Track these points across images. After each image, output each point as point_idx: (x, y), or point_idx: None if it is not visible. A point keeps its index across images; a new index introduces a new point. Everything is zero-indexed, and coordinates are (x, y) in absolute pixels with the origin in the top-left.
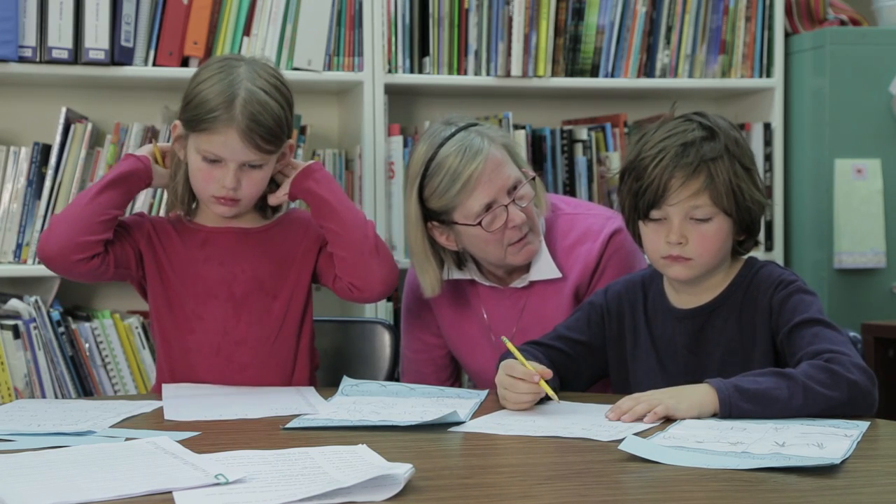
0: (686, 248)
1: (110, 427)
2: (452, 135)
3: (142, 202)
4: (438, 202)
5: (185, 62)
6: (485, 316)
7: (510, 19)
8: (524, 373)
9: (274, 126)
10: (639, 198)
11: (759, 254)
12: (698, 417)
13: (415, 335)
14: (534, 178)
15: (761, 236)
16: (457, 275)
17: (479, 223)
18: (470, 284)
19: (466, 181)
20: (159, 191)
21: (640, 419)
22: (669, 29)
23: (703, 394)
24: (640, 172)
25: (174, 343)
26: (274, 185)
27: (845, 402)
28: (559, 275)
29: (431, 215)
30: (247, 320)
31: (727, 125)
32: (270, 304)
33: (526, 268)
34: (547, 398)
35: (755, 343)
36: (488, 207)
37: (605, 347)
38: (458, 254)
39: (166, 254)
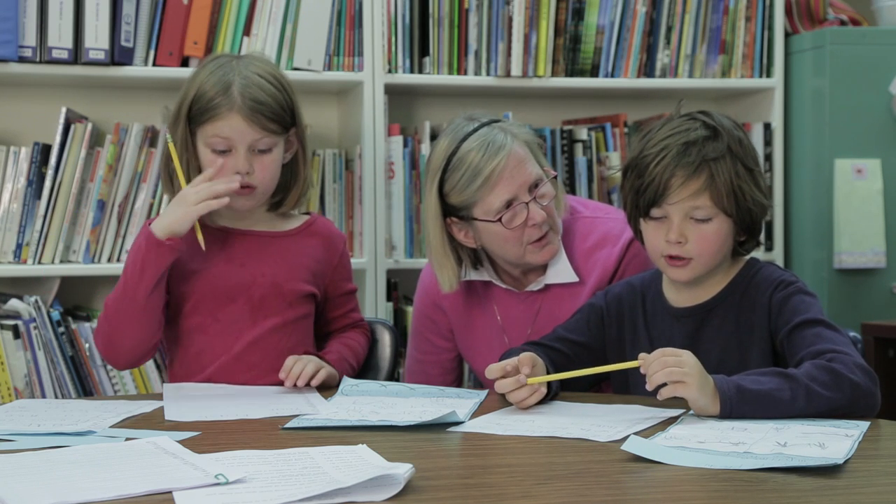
0: (685, 248)
1: (110, 427)
2: (475, 130)
3: (141, 203)
4: (459, 197)
5: (185, 62)
6: (499, 318)
7: (510, 19)
8: (498, 369)
9: (275, 105)
10: (640, 195)
11: (758, 254)
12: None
13: (424, 336)
14: (555, 178)
15: (762, 237)
16: (473, 275)
17: (500, 220)
18: (484, 286)
19: (488, 177)
20: (159, 191)
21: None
22: (669, 29)
23: (713, 395)
24: (642, 170)
25: (188, 343)
26: (288, 175)
27: (847, 403)
28: (576, 279)
29: (451, 210)
30: (261, 324)
31: (731, 125)
32: (285, 309)
33: (542, 270)
34: (551, 395)
35: (752, 342)
36: (509, 204)
37: (605, 349)
38: (475, 253)
39: (183, 258)
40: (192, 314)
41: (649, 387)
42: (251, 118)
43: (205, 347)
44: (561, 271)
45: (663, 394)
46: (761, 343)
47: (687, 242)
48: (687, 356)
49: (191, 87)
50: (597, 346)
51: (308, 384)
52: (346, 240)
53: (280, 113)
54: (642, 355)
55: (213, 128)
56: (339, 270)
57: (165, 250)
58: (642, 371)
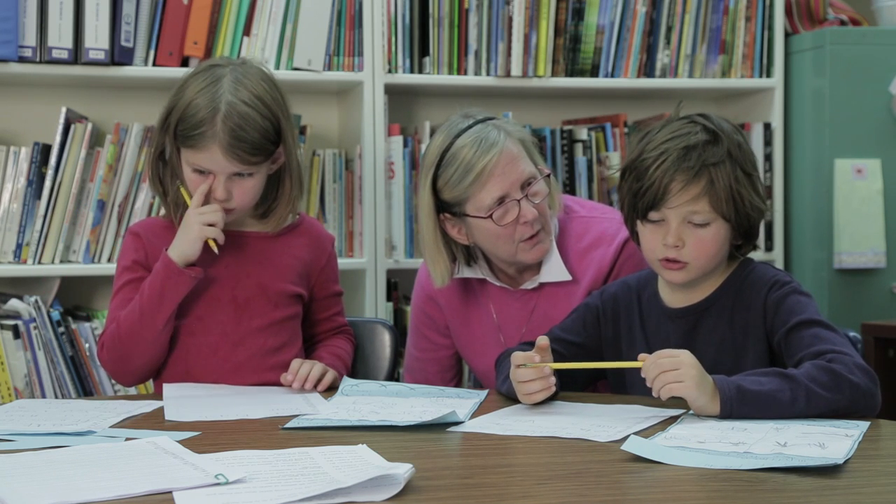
0: (682, 252)
1: (110, 427)
2: (469, 127)
3: (141, 203)
4: (451, 193)
5: (185, 62)
6: (494, 316)
7: (510, 19)
8: (524, 357)
9: (258, 139)
10: (638, 198)
11: (758, 254)
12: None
13: (422, 334)
14: (548, 176)
15: (760, 238)
16: (468, 273)
17: (491, 216)
18: (480, 284)
19: (480, 173)
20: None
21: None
22: (669, 29)
23: (712, 394)
24: (641, 173)
25: (174, 344)
26: (274, 185)
27: (847, 404)
28: (570, 277)
29: (444, 206)
30: (246, 324)
31: (731, 128)
32: (271, 310)
33: (537, 268)
34: (551, 394)
35: (747, 342)
36: (500, 201)
37: (601, 349)
38: (468, 250)
39: None
40: (177, 315)
41: (649, 386)
42: (231, 154)
43: (190, 349)
44: (554, 270)
45: (662, 394)
46: (756, 343)
47: (684, 246)
48: (684, 356)
49: (180, 98)
50: (593, 345)
51: (315, 387)
52: (334, 241)
53: (263, 144)
54: (643, 356)
55: (194, 156)
56: (327, 272)
57: (185, 279)
58: (643, 374)
